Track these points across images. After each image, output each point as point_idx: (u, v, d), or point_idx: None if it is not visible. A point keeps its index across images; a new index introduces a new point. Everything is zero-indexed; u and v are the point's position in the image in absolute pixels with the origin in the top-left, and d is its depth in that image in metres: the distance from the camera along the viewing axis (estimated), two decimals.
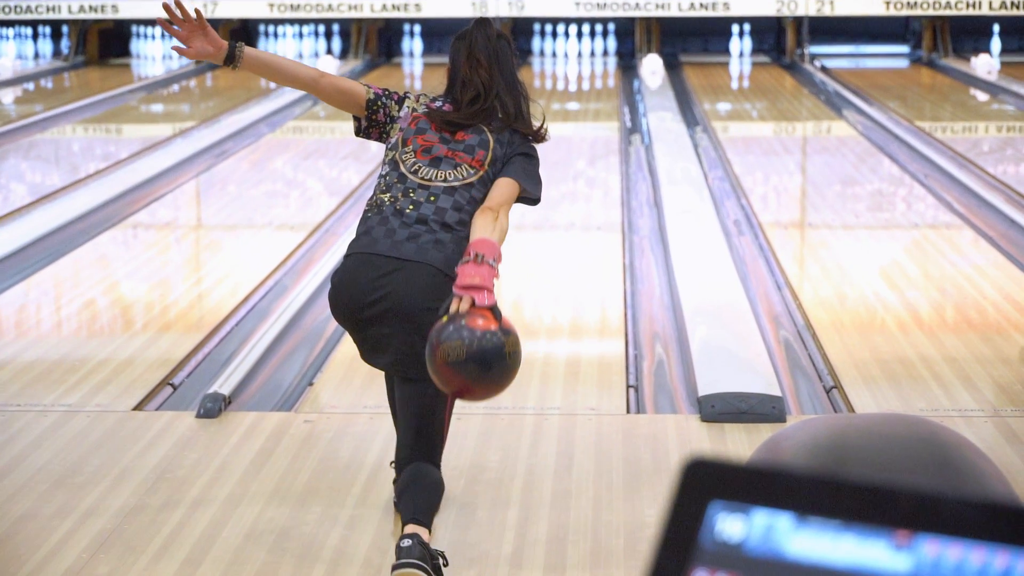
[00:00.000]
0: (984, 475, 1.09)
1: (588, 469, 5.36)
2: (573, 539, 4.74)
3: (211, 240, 9.84)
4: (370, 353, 4.60)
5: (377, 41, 21.20)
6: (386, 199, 4.61)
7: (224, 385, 6.19)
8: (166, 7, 4.72)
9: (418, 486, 4.47)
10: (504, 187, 4.62)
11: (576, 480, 5.25)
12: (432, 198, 4.58)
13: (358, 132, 4.82)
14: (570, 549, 4.67)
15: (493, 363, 4.22)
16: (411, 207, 4.57)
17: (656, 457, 5.47)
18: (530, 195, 4.68)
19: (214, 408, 5.95)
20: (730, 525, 0.85)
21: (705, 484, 0.85)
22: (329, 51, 21.15)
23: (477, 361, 4.19)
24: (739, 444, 5.61)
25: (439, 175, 4.62)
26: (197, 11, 4.71)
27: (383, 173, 4.69)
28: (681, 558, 0.84)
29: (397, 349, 4.51)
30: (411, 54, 21.48)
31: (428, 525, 4.39)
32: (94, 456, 5.51)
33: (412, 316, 4.46)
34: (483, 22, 4.82)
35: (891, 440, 1.11)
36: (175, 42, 4.75)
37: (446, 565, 4.44)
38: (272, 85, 19.26)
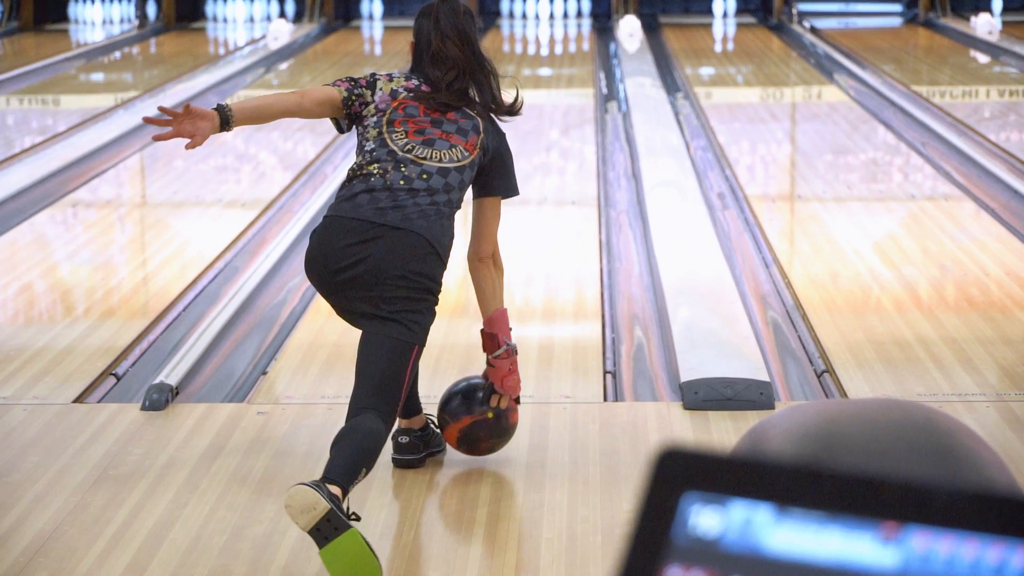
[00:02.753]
0: (983, 463, 1.09)
1: (563, 461, 5.36)
2: (547, 536, 4.75)
3: (157, 219, 9.81)
4: (343, 313, 4.92)
5: (334, 3, 21.13)
6: (375, 170, 4.92)
7: (171, 375, 6.18)
8: (149, 120, 4.93)
9: (347, 441, 4.58)
10: (493, 215, 5.20)
11: (550, 473, 5.26)
12: (425, 175, 4.92)
13: (341, 131, 5.13)
14: (544, 547, 4.68)
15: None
16: (402, 181, 4.90)
17: (635, 448, 5.48)
18: (512, 196, 5.21)
19: (160, 399, 5.94)
20: (705, 518, 0.84)
21: (679, 475, 0.85)
22: (282, 14, 21.04)
23: (502, 445, 5.31)
24: (724, 433, 5.62)
25: (434, 155, 4.96)
26: (186, 107, 4.89)
27: (369, 148, 4.97)
28: (653, 554, 0.84)
29: (370, 312, 4.79)
30: (370, 17, 21.42)
31: (342, 485, 4.43)
32: (32, 452, 5.50)
33: (388, 280, 4.77)
34: None
35: (885, 427, 1.11)
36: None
37: (357, 520, 4.43)
38: (221, 51, 19.20)
